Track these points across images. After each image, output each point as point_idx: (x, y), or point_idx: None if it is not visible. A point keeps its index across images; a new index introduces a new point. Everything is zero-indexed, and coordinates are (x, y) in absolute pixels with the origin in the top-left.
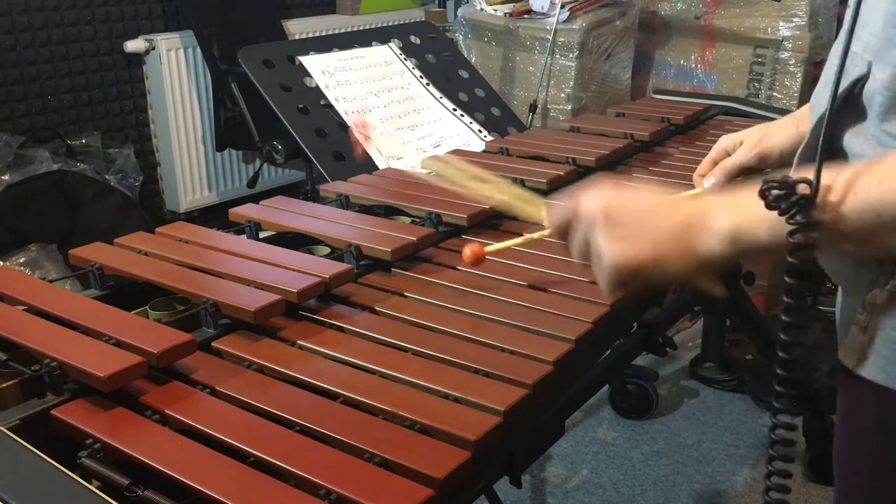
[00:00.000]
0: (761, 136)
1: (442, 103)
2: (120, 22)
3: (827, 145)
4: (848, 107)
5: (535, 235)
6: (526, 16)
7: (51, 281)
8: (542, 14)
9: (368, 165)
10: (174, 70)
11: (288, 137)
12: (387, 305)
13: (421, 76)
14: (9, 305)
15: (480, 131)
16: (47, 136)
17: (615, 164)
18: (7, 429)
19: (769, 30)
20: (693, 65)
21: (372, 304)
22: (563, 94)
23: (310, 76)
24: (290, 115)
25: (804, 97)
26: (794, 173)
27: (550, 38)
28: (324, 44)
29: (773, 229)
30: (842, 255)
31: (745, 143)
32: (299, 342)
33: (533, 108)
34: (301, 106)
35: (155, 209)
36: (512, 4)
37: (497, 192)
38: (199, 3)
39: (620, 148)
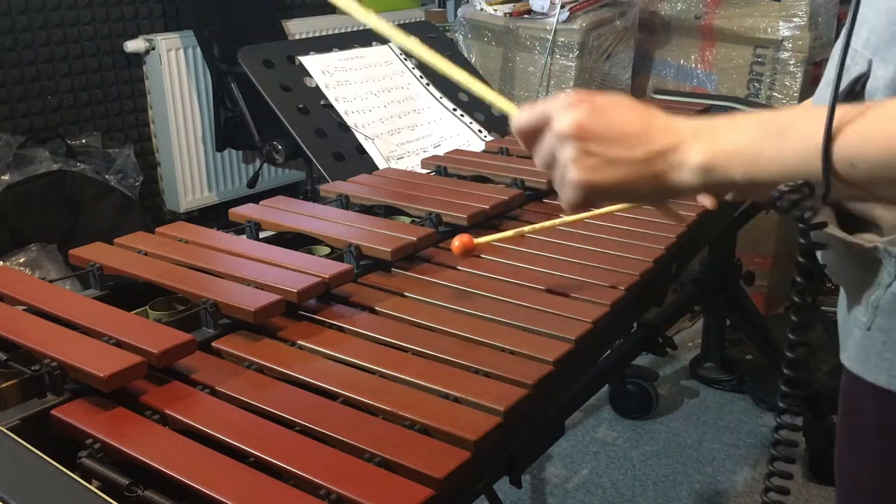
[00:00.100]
0: None
1: (442, 103)
2: (120, 22)
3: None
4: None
5: (526, 229)
6: (526, 16)
7: (51, 281)
8: (542, 14)
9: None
10: (174, 70)
11: (288, 137)
12: (387, 305)
13: (421, 76)
14: (9, 305)
15: (480, 131)
16: (47, 136)
17: None
18: (7, 429)
19: (769, 30)
20: (693, 65)
21: (372, 304)
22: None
23: (310, 76)
24: (290, 115)
25: (804, 97)
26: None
27: (550, 38)
28: (324, 44)
29: (747, 168)
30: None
31: None
32: (299, 342)
33: None
34: (301, 106)
35: (155, 209)
36: (512, 4)
37: (469, 81)
38: (199, 3)
39: None
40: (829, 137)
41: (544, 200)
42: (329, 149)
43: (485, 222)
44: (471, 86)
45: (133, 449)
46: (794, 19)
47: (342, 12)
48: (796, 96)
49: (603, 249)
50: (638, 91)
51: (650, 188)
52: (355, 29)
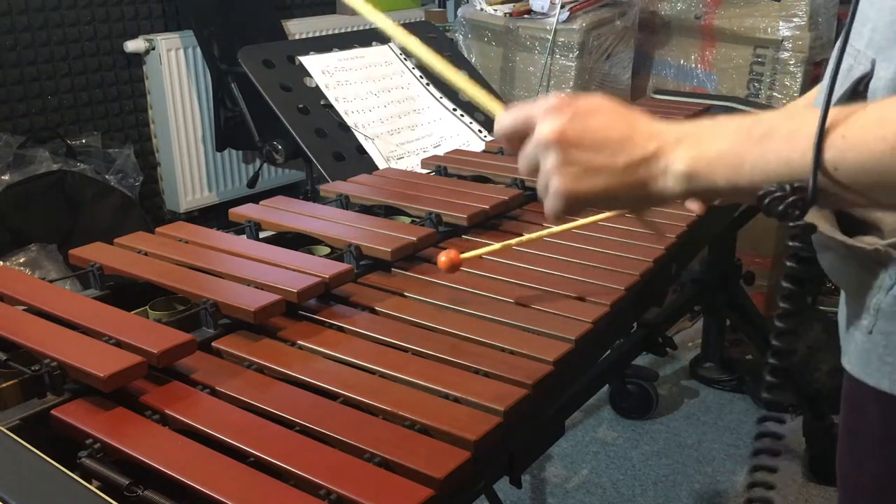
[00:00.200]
0: None
1: (442, 103)
2: (120, 22)
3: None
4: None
5: (513, 242)
6: (526, 16)
7: (51, 281)
8: (542, 14)
9: None
10: (174, 70)
11: (288, 137)
12: (387, 305)
13: (421, 76)
14: (9, 305)
15: (480, 131)
16: (47, 136)
17: None
18: (7, 429)
19: (769, 30)
20: (693, 65)
21: (372, 304)
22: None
23: (310, 76)
24: (290, 115)
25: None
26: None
27: (550, 38)
28: (324, 44)
29: (729, 174)
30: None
31: None
32: (299, 342)
33: None
34: (301, 106)
35: (155, 209)
36: (512, 4)
37: (459, 79)
38: (199, 3)
39: None
40: (820, 140)
41: None
42: (329, 149)
43: (485, 222)
44: (458, 83)
45: (133, 449)
46: (794, 19)
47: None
48: (796, 96)
49: (603, 249)
50: (638, 91)
51: (634, 196)
52: (355, 29)
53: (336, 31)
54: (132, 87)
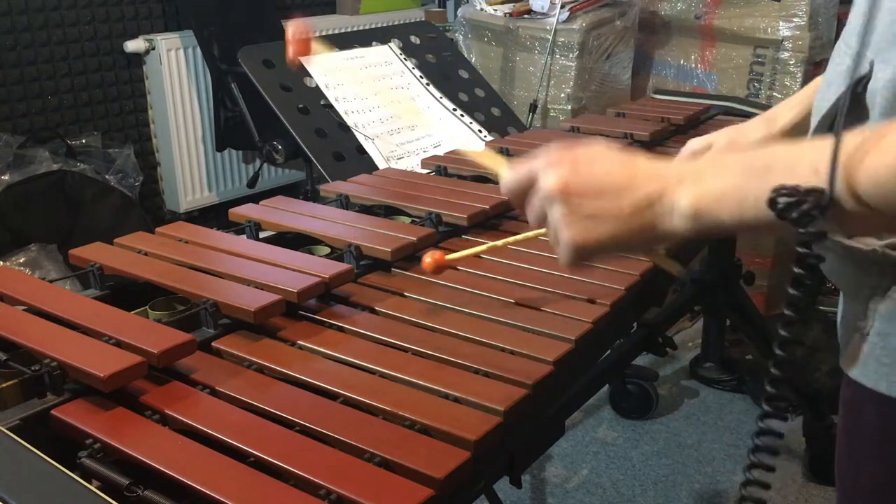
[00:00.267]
0: (731, 140)
1: (442, 103)
2: (120, 22)
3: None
4: (852, 107)
5: (500, 243)
6: (526, 16)
7: (51, 281)
8: (542, 14)
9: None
10: (174, 70)
11: (288, 137)
12: (387, 305)
13: (421, 76)
14: (9, 305)
15: (480, 131)
16: (47, 136)
17: None
18: (7, 429)
19: (769, 30)
20: (693, 65)
21: (372, 304)
22: (563, 95)
23: (310, 76)
24: (290, 115)
25: None
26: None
27: (550, 38)
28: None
29: (734, 210)
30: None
31: (715, 146)
32: (299, 342)
33: (533, 108)
34: (301, 106)
35: (155, 209)
36: (512, 4)
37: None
38: (199, 3)
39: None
40: (836, 154)
41: None
42: (329, 149)
43: (485, 222)
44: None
45: (133, 449)
46: (794, 19)
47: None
48: None
49: None
50: (638, 91)
51: (643, 238)
52: (355, 29)
53: (336, 31)
54: (132, 87)
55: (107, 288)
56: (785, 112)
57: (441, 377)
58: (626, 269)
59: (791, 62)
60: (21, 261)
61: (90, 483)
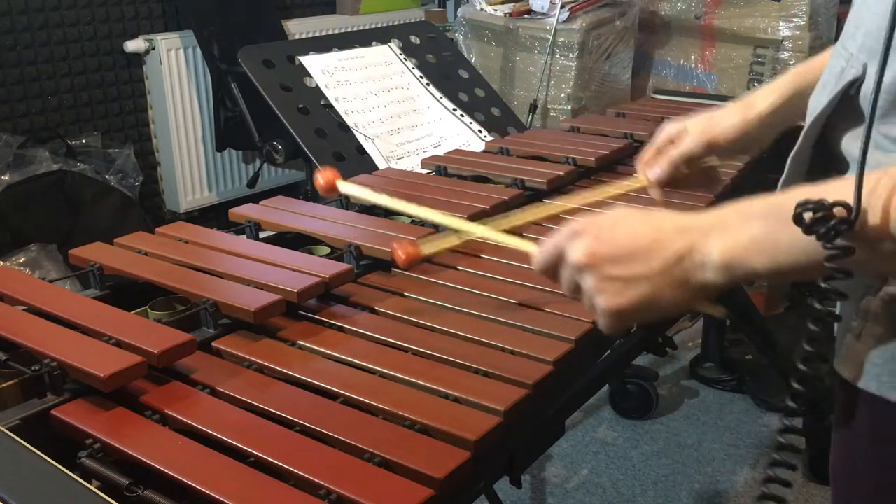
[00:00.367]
0: (707, 124)
1: (442, 103)
2: (120, 22)
3: (824, 149)
4: (845, 110)
5: (475, 235)
6: (526, 16)
7: (51, 281)
8: (542, 14)
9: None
10: (174, 70)
11: (288, 137)
12: (387, 305)
13: (421, 76)
14: (9, 305)
15: (480, 131)
16: (47, 136)
17: (615, 164)
18: (7, 429)
19: (769, 30)
20: (693, 65)
21: (372, 304)
22: (563, 95)
23: (310, 76)
24: (290, 115)
25: None
26: (826, 190)
27: (550, 38)
28: (324, 44)
29: (766, 259)
30: (875, 273)
31: (692, 131)
32: (299, 342)
33: (533, 108)
34: (301, 106)
35: (155, 209)
36: (512, 4)
37: (485, 231)
38: (199, 3)
39: (620, 148)
40: (864, 153)
41: (544, 200)
42: (329, 149)
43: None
44: (489, 235)
45: (133, 449)
46: (794, 19)
47: (344, 11)
48: None
49: None
50: (638, 91)
51: (677, 295)
52: (355, 29)
53: (336, 31)
54: (132, 87)
55: (107, 288)
56: (763, 97)
57: (441, 377)
58: None
59: (791, 62)
60: (21, 261)
61: (90, 483)
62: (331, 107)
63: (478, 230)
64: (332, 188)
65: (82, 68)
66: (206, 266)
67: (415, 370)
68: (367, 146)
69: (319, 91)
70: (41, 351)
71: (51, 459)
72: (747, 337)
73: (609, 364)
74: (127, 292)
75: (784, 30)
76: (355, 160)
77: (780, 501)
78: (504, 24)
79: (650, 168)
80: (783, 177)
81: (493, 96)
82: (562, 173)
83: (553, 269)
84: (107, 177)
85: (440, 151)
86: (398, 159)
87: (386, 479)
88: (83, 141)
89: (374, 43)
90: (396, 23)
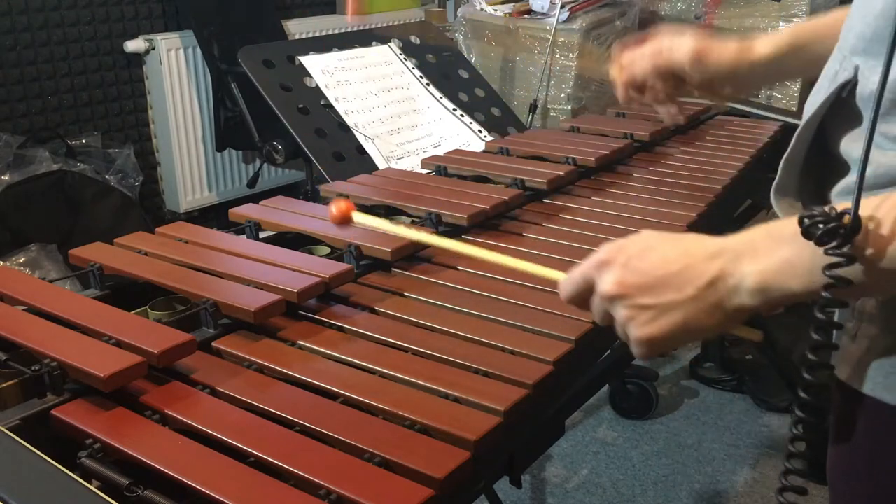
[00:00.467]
0: (704, 45)
1: (442, 103)
2: (120, 22)
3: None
4: (840, 112)
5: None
6: (526, 16)
7: (51, 281)
8: (542, 14)
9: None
10: (174, 70)
11: (288, 137)
12: (387, 305)
13: (421, 76)
14: (9, 305)
15: (480, 131)
16: (47, 136)
17: (615, 164)
18: (7, 429)
19: (769, 30)
20: None
21: (372, 304)
22: (563, 95)
23: (310, 76)
24: (290, 115)
25: (804, 97)
26: (835, 204)
27: (550, 38)
28: (324, 44)
29: (803, 279)
30: (874, 294)
31: (686, 46)
32: (299, 342)
33: (533, 108)
34: (301, 106)
35: (155, 209)
36: (512, 4)
37: (512, 262)
38: (199, 3)
39: (620, 148)
40: (863, 171)
41: (544, 200)
42: (329, 149)
43: (485, 222)
44: (515, 265)
45: (133, 449)
46: (794, 19)
47: (344, 11)
48: (796, 96)
49: None
50: None
51: (712, 320)
52: (355, 29)
53: (336, 31)
54: (132, 87)
55: (107, 288)
56: (761, 46)
57: (441, 377)
58: None
59: None
60: (21, 261)
61: (90, 483)
62: (331, 107)
63: (500, 259)
64: (347, 220)
65: (82, 68)
66: (206, 266)
67: (415, 370)
68: (367, 146)
69: (319, 91)
70: (41, 351)
71: (51, 459)
72: None
73: (609, 364)
74: (127, 292)
75: None
76: (355, 160)
77: None
78: (504, 24)
79: (628, 66)
80: (776, 180)
81: (493, 96)
82: (562, 173)
83: (581, 299)
84: (107, 177)
85: (440, 151)
86: (398, 159)
87: (386, 479)
88: (83, 141)
89: (374, 43)
90: (396, 23)
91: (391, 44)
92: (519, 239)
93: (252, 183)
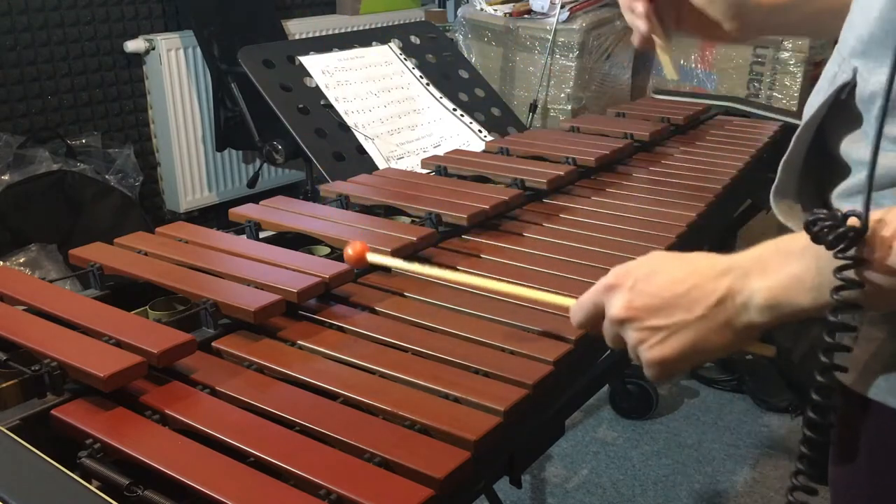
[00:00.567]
0: None
1: (442, 103)
2: (120, 22)
3: (821, 153)
4: (840, 114)
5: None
6: (526, 16)
7: (51, 281)
8: (542, 14)
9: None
10: (174, 70)
11: (288, 137)
12: (387, 305)
13: (421, 76)
14: (9, 305)
15: (480, 131)
16: (47, 136)
17: (615, 164)
18: (7, 429)
19: None
20: (693, 65)
21: (372, 304)
22: (563, 95)
23: (310, 76)
24: (290, 115)
25: (804, 97)
26: (839, 206)
27: (550, 38)
28: (324, 44)
29: (812, 294)
30: (880, 305)
31: None
32: (299, 342)
33: (533, 108)
34: (301, 106)
35: (155, 209)
36: (512, 4)
37: (523, 291)
38: (199, 3)
39: (620, 148)
40: (875, 159)
41: (544, 200)
42: (329, 149)
43: (485, 222)
44: (525, 294)
45: (133, 449)
46: None
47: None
48: (796, 96)
49: (602, 250)
50: (638, 91)
51: (723, 339)
52: (355, 29)
53: (336, 31)
54: (132, 87)
55: (107, 288)
56: None
57: (441, 377)
58: None
59: (791, 62)
60: (21, 261)
61: (90, 483)
62: (331, 107)
63: (511, 289)
64: (362, 261)
65: (82, 68)
66: (206, 266)
67: (415, 370)
68: (367, 146)
69: (319, 91)
70: (41, 351)
71: (51, 459)
72: None
73: (609, 364)
74: (127, 292)
75: None
76: (355, 160)
77: None
78: (504, 24)
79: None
80: (776, 181)
81: (493, 96)
82: (562, 173)
83: (592, 324)
84: (107, 177)
85: (440, 151)
86: (398, 159)
87: (386, 479)
88: (83, 141)
89: (374, 43)
90: (396, 23)
91: (391, 44)
92: (519, 239)
93: (252, 183)
